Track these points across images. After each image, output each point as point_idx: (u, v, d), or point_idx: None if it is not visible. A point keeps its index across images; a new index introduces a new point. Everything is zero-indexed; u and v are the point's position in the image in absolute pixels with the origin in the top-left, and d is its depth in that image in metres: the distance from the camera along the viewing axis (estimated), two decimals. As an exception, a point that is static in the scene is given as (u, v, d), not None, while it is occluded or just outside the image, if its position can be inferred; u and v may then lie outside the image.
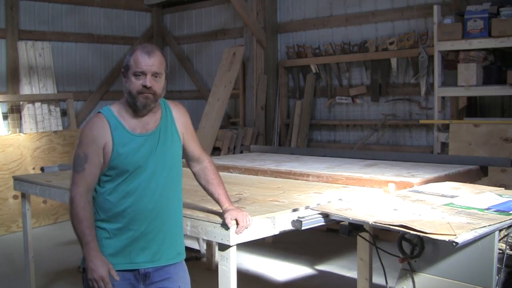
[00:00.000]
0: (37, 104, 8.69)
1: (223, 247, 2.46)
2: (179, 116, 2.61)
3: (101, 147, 2.39)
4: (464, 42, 5.82)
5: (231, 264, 2.44)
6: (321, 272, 5.38)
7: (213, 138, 7.92)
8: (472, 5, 5.88)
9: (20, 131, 8.45)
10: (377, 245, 2.80)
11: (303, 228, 2.57)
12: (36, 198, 6.69)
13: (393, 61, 7.17)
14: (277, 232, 2.63)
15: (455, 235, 2.11)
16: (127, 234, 2.44)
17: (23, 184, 4.15)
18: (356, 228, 2.58)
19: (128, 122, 2.45)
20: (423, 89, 6.85)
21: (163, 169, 2.49)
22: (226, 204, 2.56)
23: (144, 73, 2.37)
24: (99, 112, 2.47)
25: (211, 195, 2.66)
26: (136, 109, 2.43)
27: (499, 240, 2.27)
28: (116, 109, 2.47)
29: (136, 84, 2.38)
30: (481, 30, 5.68)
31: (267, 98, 8.43)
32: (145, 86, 2.38)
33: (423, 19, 6.95)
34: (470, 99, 6.42)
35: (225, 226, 2.45)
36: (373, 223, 2.37)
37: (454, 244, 2.07)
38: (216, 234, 2.49)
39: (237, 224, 2.46)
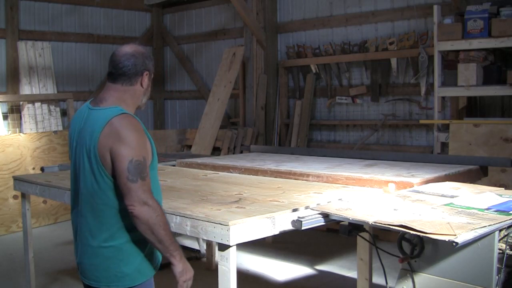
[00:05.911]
0: (37, 104, 8.69)
1: (223, 247, 2.45)
2: None
3: (150, 150, 2.39)
4: (464, 42, 5.82)
5: (231, 264, 2.43)
6: (321, 272, 5.37)
7: (213, 138, 7.92)
8: (472, 5, 5.88)
9: (20, 131, 8.45)
10: (377, 245, 2.80)
11: (303, 228, 2.57)
12: (36, 198, 6.68)
13: (393, 61, 7.18)
14: (277, 232, 2.63)
15: (455, 235, 2.11)
16: None
17: (23, 184, 4.14)
18: (356, 228, 2.58)
19: None
20: (423, 89, 6.85)
21: None
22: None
23: None
24: (128, 114, 2.36)
25: None
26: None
27: (499, 240, 2.27)
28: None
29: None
30: (481, 30, 5.69)
31: (267, 98, 8.43)
32: None
33: (423, 19, 6.95)
34: (470, 99, 6.42)
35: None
36: (373, 223, 2.37)
37: (454, 244, 2.07)
38: (216, 234, 2.49)
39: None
